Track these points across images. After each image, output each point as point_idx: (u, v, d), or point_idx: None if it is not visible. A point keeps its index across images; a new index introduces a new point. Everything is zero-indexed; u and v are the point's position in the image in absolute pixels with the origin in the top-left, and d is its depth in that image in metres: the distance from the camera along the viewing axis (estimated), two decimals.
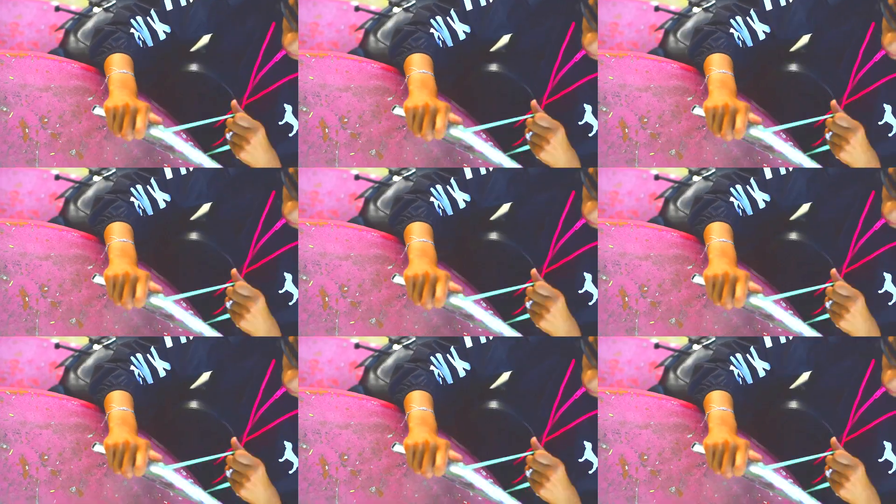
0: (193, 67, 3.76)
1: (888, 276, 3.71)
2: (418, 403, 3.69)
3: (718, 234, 3.68)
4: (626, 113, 3.76)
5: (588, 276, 3.73)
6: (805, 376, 3.70)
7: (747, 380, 3.70)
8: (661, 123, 3.77)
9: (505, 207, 3.73)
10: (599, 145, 3.75)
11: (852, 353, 3.70)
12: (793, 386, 3.70)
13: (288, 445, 3.73)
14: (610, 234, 3.74)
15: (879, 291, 3.71)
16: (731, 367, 3.70)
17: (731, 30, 3.73)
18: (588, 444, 3.72)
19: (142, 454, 3.61)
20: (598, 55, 3.76)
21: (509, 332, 3.71)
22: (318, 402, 3.74)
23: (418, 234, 3.71)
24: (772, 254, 3.73)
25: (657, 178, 3.74)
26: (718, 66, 3.69)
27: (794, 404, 3.70)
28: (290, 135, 3.76)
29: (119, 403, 3.68)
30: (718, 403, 3.67)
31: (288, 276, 3.74)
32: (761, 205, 3.71)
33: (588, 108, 3.75)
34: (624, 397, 3.73)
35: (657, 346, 3.72)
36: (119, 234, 3.71)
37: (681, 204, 3.74)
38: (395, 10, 3.76)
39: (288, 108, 3.76)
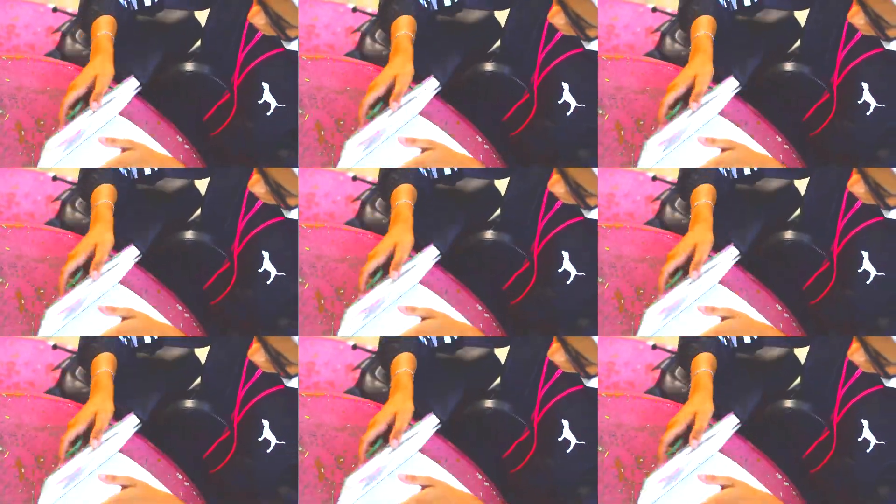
0: (189, 66, 3.77)
1: (865, 254, 3.71)
2: (402, 366, 3.69)
3: (703, 196, 3.69)
4: (622, 115, 3.76)
5: (566, 254, 3.72)
6: (798, 380, 3.71)
7: (732, 343, 3.70)
8: (657, 126, 3.77)
9: (497, 211, 3.74)
10: (598, 147, 3.76)
11: (830, 342, 3.71)
12: (790, 387, 3.71)
13: (265, 423, 3.72)
14: (607, 237, 3.74)
15: (859, 270, 3.71)
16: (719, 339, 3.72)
17: None
18: (566, 422, 3.71)
19: (101, 417, 3.63)
20: (598, 57, 3.76)
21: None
22: (314, 405, 3.74)
23: (403, 196, 3.71)
24: (766, 253, 3.74)
25: (654, 178, 3.74)
26: (702, 29, 3.69)
27: (789, 403, 3.70)
28: (268, 114, 3.75)
29: (103, 365, 3.68)
30: (702, 366, 3.67)
31: (265, 254, 3.73)
32: (746, 171, 3.72)
33: (566, 85, 3.75)
34: (621, 399, 3.73)
35: (654, 347, 3.72)
36: (104, 196, 3.70)
37: (678, 205, 3.74)
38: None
39: (265, 86, 3.75)
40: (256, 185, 3.72)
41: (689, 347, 3.69)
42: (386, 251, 3.70)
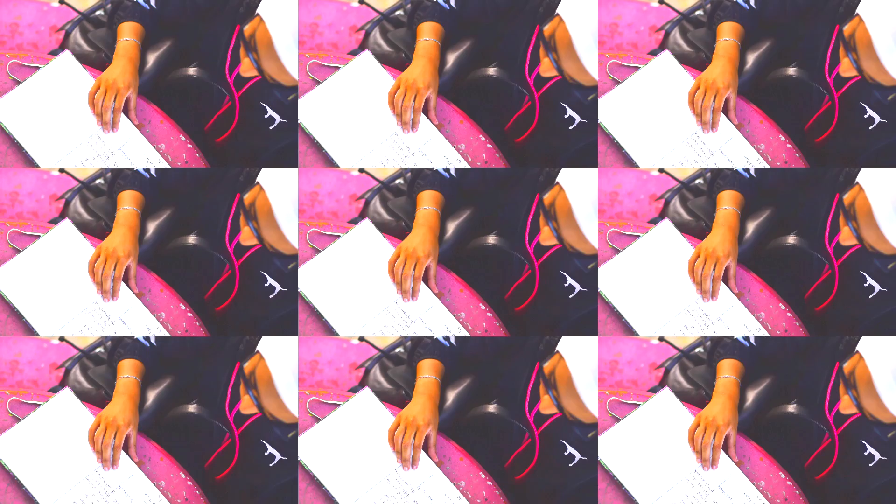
0: (191, 71, 3.77)
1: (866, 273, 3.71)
2: (426, 372, 3.68)
3: (726, 202, 3.68)
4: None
5: (565, 274, 3.73)
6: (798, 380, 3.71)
7: (752, 342, 3.70)
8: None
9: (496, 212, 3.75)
10: (599, 146, 3.75)
11: (834, 350, 3.70)
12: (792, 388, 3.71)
13: (265, 442, 3.73)
14: (609, 235, 3.74)
15: (865, 284, 3.71)
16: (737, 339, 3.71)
17: None
18: (565, 442, 3.72)
19: (120, 437, 3.62)
20: (598, 56, 3.76)
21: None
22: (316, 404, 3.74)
23: (426, 202, 3.69)
24: (768, 257, 3.73)
25: (661, 170, 3.73)
26: (726, 35, 3.68)
27: (791, 407, 3.70)
28: (271, 128, 3.75)
29: (127, 372, 3.68)
30: (727, 372, 3.66)
31: (266, 274, 3.73)
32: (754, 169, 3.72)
33: (565, 105, 3.74)
34: (623, 398, 3.73)
35: (661, 339, 3.72)
36: (127, 202, 3.70)
37: (690, 204, 3.73)
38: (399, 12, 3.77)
39: (265, 106, 3.75)
40: (248, 240, 3.72)
41: (714, 352, 3.69)
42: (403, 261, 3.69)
